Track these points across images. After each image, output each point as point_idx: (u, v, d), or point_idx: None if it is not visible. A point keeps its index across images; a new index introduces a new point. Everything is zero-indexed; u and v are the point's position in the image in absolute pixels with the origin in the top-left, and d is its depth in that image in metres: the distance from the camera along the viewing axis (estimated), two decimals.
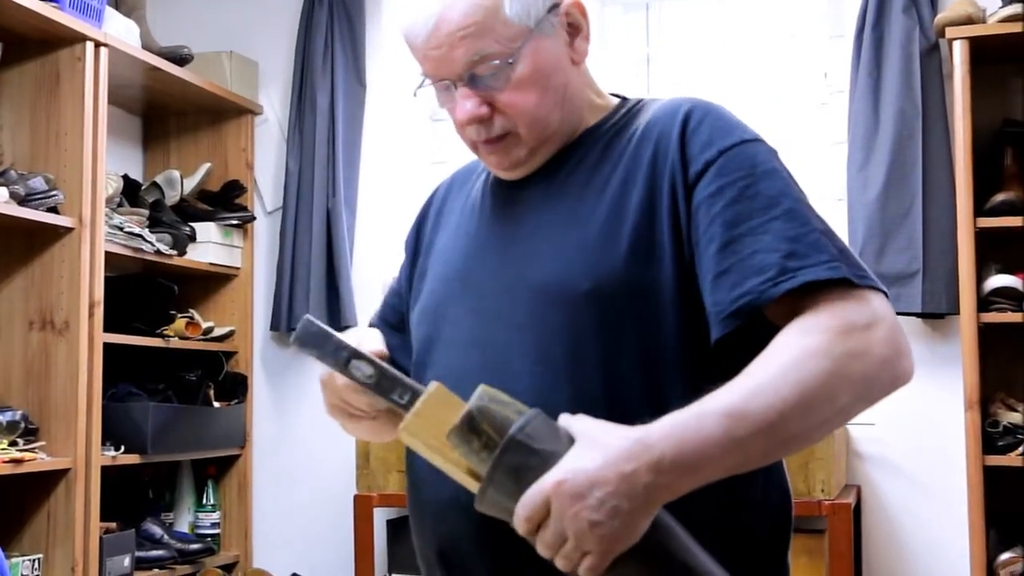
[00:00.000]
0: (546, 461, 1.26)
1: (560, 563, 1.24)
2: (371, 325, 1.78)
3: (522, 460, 1.26)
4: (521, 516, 1.24)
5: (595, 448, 1.24)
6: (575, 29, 1.54)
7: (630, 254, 1.43)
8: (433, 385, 1.35)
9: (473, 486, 1.30)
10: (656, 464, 1.22)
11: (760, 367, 1.29)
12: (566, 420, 1.29)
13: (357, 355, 1.41)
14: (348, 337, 1.45)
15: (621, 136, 1.53)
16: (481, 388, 1.31)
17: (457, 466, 1.32)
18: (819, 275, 1.33)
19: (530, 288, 1.48)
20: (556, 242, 1.48)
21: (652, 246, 1.43)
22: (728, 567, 1.39)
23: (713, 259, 1.38)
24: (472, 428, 1.29)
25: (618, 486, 1.21)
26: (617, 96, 1.64)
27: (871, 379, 1.31)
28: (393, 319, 1.73)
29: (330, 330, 1.42)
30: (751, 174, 1.41)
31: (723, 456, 1.25)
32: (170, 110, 4.22)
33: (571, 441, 1.27)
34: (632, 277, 1.43)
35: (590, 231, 1.46)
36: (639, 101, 1.60)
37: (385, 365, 1.41)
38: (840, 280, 1.33)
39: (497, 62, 1.47)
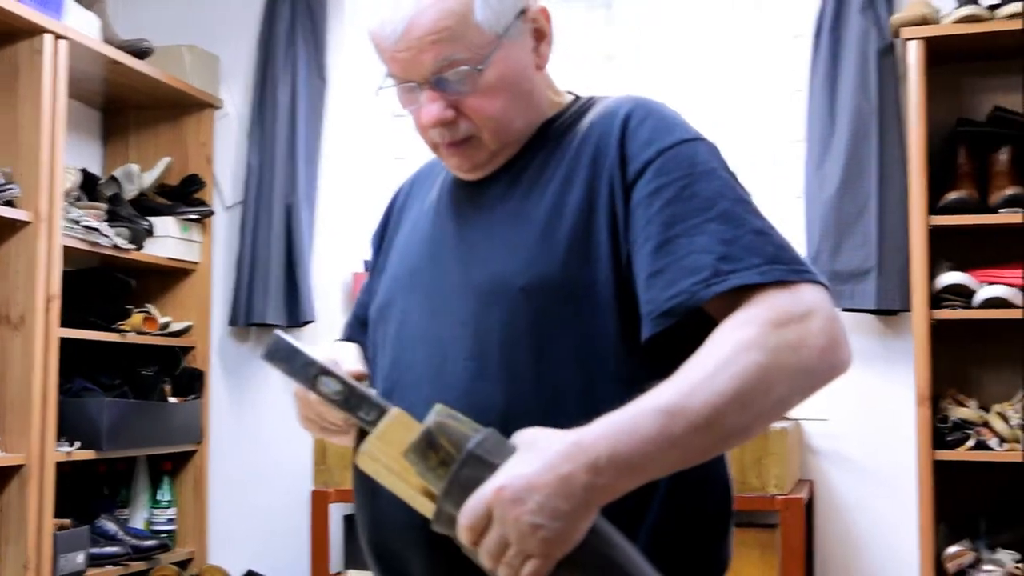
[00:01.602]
0: None
1: (502, 572, 1.24)
2: (347, 323, 1.81)
3: (479, 475, 1.27)
4: (464, 525, 1.25)
5: (533, 453, 1.25)
6: (540, 35, 1.55)
7: (567, 253, 1.45)
8: (394, 410, 1.36)
9: (430, 510, 1.31)
10: (593, 465, 1.23)
11: (696, 363, 1.30)
12: (515, 435, 1.30)
13: (325, 372, 1.42)
14: (321, 352, 1.47)
15: (568, 134, 1.55)
16: (437, 406, 1.32)
17: (416, 490, 1.33)
18: (750, 279, 1.34)
19: (472, 285, 1.50)
20: (500, 240, 1.50)
21: (589, 245, 1.45)
22: (669, 552, 1.41)
23: (648, 259, 1.40)
24: (430, 444, 1.30)
25: (557, 488, 1.22)
26: (572, 94, 1.66)
27: (807, 370, 1.32)
28: (365, 317, 1.74)
29: (300, 346, 1.43)
30: (689, 174, 1.42)
31: (661, 454, 1.26)
32: (130, 104, 4.20)
33: None
34: (569, 275, 1.44)
35: (530, 229, 1.48)
36: (589, 99, 1.62)
37: (353, 382, 1.42)
38: (772, 282, 1.34)
39: (466, 68, 1.48)
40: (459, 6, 1.47)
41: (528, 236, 1.48)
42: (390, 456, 1.34)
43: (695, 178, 1.42)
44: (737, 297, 1.34)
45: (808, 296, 1.35)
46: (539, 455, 1.24)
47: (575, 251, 1.45)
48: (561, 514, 1.22)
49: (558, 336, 1.44)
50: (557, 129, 1.57)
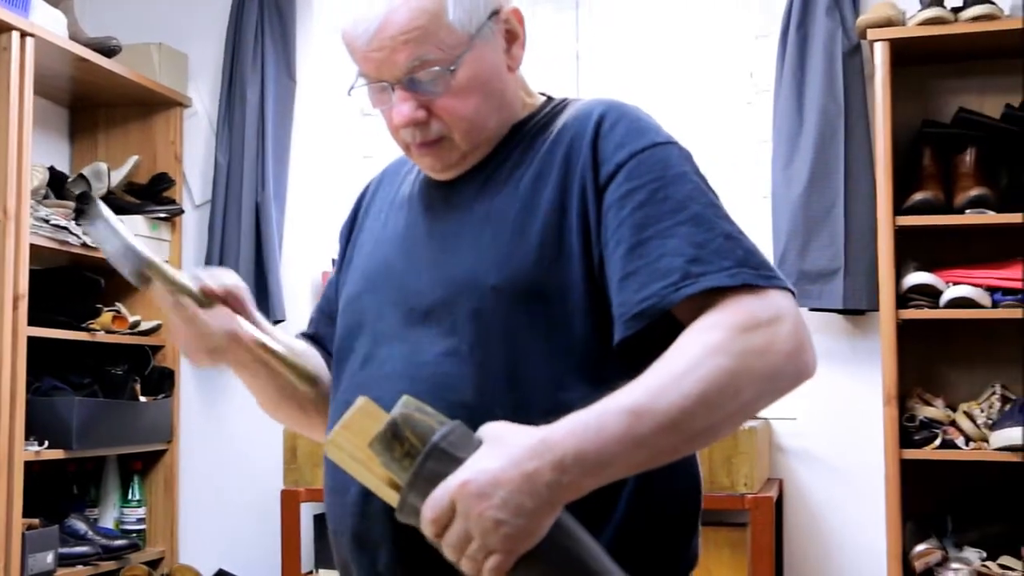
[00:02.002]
0: None
1: (465, 565, 1.25)
2: (312, 318, 1.82)
3: (443, 468, 1.28)
4: (427, 517, 1.25)
5: (499, 448, 1.26)
6: (512, 36, 1.56)
7: (538, 252, 1.45)
8: (361, 399, 1.36)
9: (395, 500, 1.31)
10: (559, 463, 1.24)
11: (664, 365, 1.31)
12: (482, 429, 1.31)
13: (105, 220, 1.55)
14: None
15: (540, 135, 1.55)
16: (404, 397, 1.32)
17: (382, 480, 1.33)
18: (720, 282, 1.35)
19: (445, 283, 1.50)
20: (472, 239, 1.50)
21: (561, 245, 1.45)
22: (635, 550, 1.42)
23: (621, 261, 1.41)
24: (395, 436, 1.30)
25: (521, 485, 1.23)
26: (545, 95, 1.66)
27: (774, 374, 1.33)
28: (330, 310, 1.75)
29: (103, 206, 1.56)
30: (661, 177, 1.43)
31: (626, 453, 1.27)
32: (98, 102, 4.18)
33: None
34: (540, 275, 1.45)
35: (502, 229, 1.48)
36: (563, 101, 1.62)
37: (130, 241, 1.56)
38: (742, 285, 1.36)
39: (438, 68, 1.48)
40: (432, 6, 1.47)
41: (500, 235, 1.48)
42: (356, 446, 1.33)
43: (667, 181, 1.43)
44: (707, 300, 1.36)
45: (776, 301, 1.36)
46: (505, 451, 1.25)
47: (546, 251, 1.46)
48: (525, 511, 1.23)
49: (529, 335, 1.45)
50: (530, 130, 1.57)
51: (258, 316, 1.64)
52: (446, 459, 1.28)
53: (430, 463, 1.28)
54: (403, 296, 1.54)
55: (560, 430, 1.26)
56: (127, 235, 1.57)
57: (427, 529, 1.26)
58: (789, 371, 1.34)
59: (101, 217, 1.57)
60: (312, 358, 1.70)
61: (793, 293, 1.41)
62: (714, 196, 1.47)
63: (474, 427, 1.33)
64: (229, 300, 1.58)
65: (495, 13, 1.52)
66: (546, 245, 1.45)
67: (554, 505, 1.25)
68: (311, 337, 1.80)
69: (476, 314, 1.46)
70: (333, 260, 3.99)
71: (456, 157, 1.55)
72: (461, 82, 1.49)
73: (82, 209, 1.54)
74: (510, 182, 1.53)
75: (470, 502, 1.23)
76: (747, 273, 1.37)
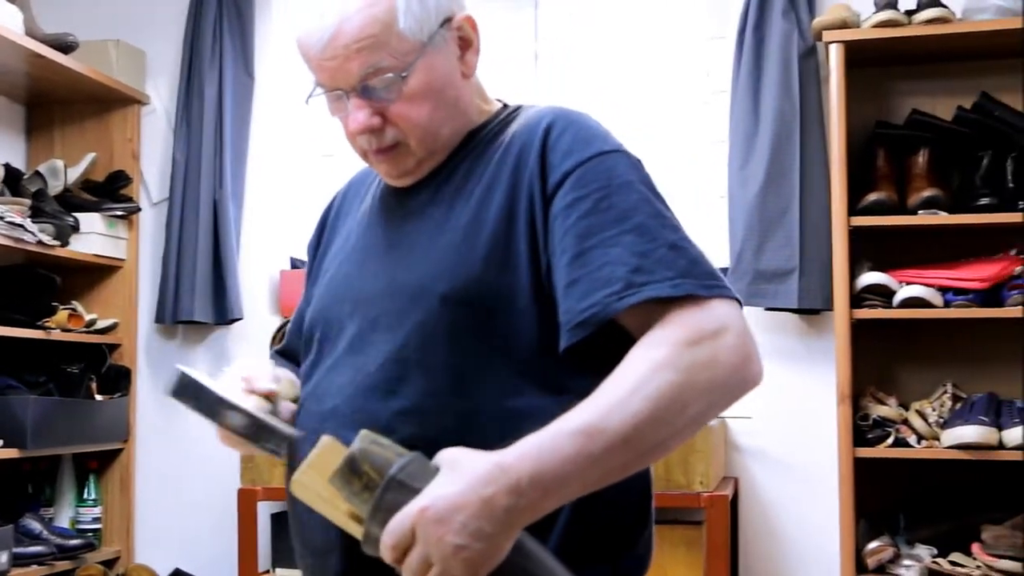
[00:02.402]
0: None
1: None
2: (288, 331, 1.83)
3: (402, 499, 1.30)
4: (387, 544, 1.27)
5: (456, 474, 1.27)
6: (466, 43, 1.57)
7: (486, 261, 1.47)
8: (325, 438, 1.38)
9: (360, 533, 1.33)
10: (515, 487, 1.26)
11: (612, 384, 1.33)
12: (438, 456, 1.32)
13: (230, 406, 1.46)
14: (227, 381, 1.52)
15: (493, 143, 1.57)
16: (362, 432, 1.34)
17: (346, 515, 1.35)
18: (662, 292, 1.37)
19: (398, 292, 1.51)
20: (424, 248, 1.52)
21: (508, 254, 1.47)
22: (584, 550, 1.43)
23: (565, 269, 1.42)
24: (353, 470, 1.32)
25: (479, 509, 1.25)
26: (501, 101, 1.67)
27: (720, 387, 1.36)
28: (301, 325, 1.75)
29: (204, 381, 1.47)
30: (607, 187, 1.45)
31: (581, 473, 1.29)
32: (55, 98, 4.15)
33: None
34: (487, 283, 1.46)
35: (452, 238, 1.50)
36: (516, 108, 1.64)
37: (259, 415, 1.47)
38: (685, 296, 1.37)
39: (391, 75, 1.49)
40: (383, 14, 1.48)
41: (450, 244, 1.49)
42: (320, 483, 1.36)
43: (612, 191, 1.45)
44: (651, 310, 1.37)
45: (720, 312, 1.38)
46: (462, 477, 1.26)
47: (494, 259, 1.47)
48: (484, 535, 1.25)
49: (477, 342, 1.46)
50: (484, 138, 1.59)
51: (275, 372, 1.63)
52: (404, 490, 1.30)
53: (388, 495, 1.30)
54: (359, 307, 1.56)
55: (514, 454, 1.28)
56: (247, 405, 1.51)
57: (387, 555, 1.28)
58: (735, 382, 1.37)
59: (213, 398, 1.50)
60: (294, 382, 1.71)
61: (739, 302, 1.42)
62: (661, 204, 1.48)
63: (423, 435, 1.35)
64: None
65: (447, 21, 1.54)
66: (494, 254, 1.47)
67: (512, 528, 1.27)
68: (284, 353, 1.82)
69: (424, 322, 1.47)
70: (293, 260, 4.02)
71: (412, 163, 1.57)
72: (414, 88, 1.51)
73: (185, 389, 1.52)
74: (463, 190, 1.54)
75: (429, 528, 1.24)
76: (690, 283, 1.38)
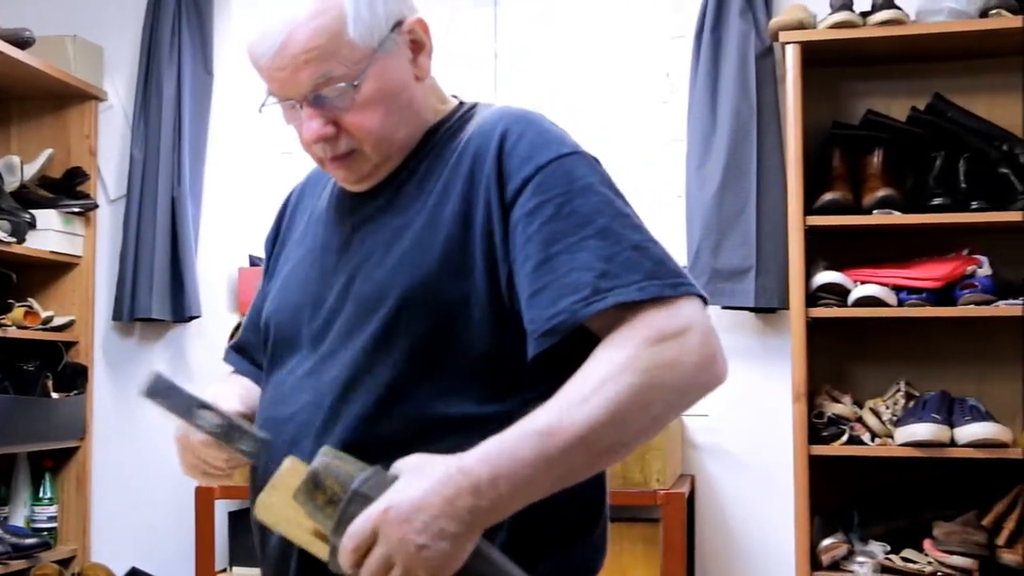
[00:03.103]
0: None
1: None
2: (243, 327, 1.83)
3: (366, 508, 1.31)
4: (348, 547, 1.28)
5: (418, 477, 1.28)
6: (418, 46, 1.55)
7: (439, 268, 1.46)
8: (287, 460, 1.39)
9: (325, 551, 1.34)
10: (475, 487, 1.27)
11: (574, 384, 1.34)
12: (397, 464, 1.33)
13: (204, 406, 1.48)
14: (200, 391, 1.52)
15: (449, 145, 1.56)
16: (324, 448, 1.36)
17: (310, 533, 1.36)
18: (629, 296, 1.37)
19: (355, 300, 1.51)
20: (381, 254, 1.52)
21: (464, 260, 1.46)
22: (535, 547, 1.44)
23: (529, 277, 1.42)
24: (316, 485, 1.33)
25: (442, 509, 1.26)
26: (457, 98, 1.67)
27: (683, 387, 1.36)
28: (259, 320, 1.75)
29: (177, 384, 1.49)
30: (567, 191, 1.44)
31: (540, 475, 1.30)
32: (11, 94, 4.12)
33: None
34: (442, 290, 1.46)
35: (407, 244, 1.49)
36: (472, 107, 1.63)
37: (232, 416, 1.48)
38: (651, 299, 1.37)
39: (342, 84, 1.48)
40: (331, 23, 1.47)
41: (405, 250, 1.49)
42: (284, 502, 1.37)
43: (573, 194, 1.44)
44: (618, 314, 1.37)
45: (685, 311, 1.38)
46: (424, 479, 1.27)
47: (449, 266, 1.46)
48: (447, 535, 1.26)
49: (433, 351, 1.46)
50: (439, 139, 1.58)
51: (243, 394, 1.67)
52: (367, 502, 1.31)
53: (352, 507, 1.31)
54: (317, 313, 1.56)
55: (474, 456, 1.29)
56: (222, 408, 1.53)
57: (347, 559, 1.28)
58: (699, 382, 1.38)
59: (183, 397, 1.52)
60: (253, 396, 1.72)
61: (704, 299, 1.43)
62: (622, 203, 1.48)
63: (380, 442, 1.38)
64: None
65: (398, 25, 1.53)
66: (448, 259, 1.46)
67: (474, 529, 1.28)
68: (239, 348, 1.82)
69: (381, 331, 1.47)
70: (251, 258, 4.00)
71: (368, 169, 1.56)
72: (366, 96, 1.50)
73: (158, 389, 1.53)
74: (419, 195, 1.53)
75: (392, 527, 1.25)
76: (655, 285, 1.38)
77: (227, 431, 1.47)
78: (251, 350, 1.78)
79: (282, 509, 1.37)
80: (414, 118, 1.56)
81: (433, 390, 1.45)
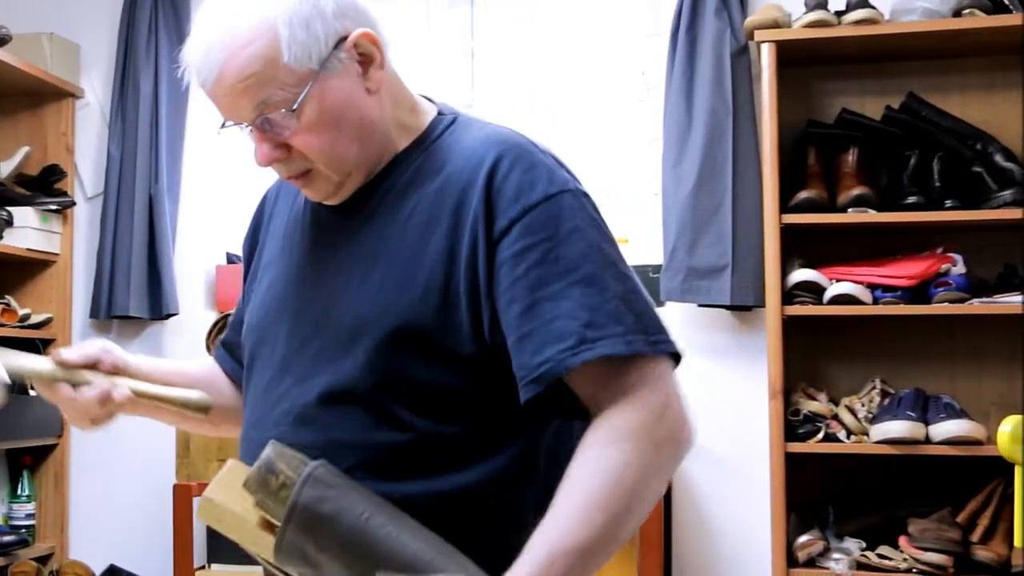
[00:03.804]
0: (339, 505, 1.35)
1: None
2: (230, 324, 1.82)
3: (320, 494, 1.33)
4: None
5: None
6: (367, 59, 1.51)
7: (422, 302, 1.46)
8: (229, 461, 1.42)
9: (270, 545, 1.35)
10: None
11: (583, 487, 1.36)
12: None
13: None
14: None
15: (429, 166, 1.54)
16: (271, 441, 1.38)
17: (257, 526, 1.37)
18: (616, 350, 1.39)
19: (335, 326, 1.51)
20: (359, 279, 1.51)
21: (447, 295, 1.46)
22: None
23: (516, 321, 1.42)
24: (270, 469, 1.35)
25: None
26: (433, 103, 1.64)
27: (672, 462, 1.42)
28: (242, 320, 1.75)
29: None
30: (554, 235, 1.44)
31: None
32: None
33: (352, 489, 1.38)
34: (423, 324, 1.45)
35: (391, 272, 1.49)
36: (453, 120, 1.60)
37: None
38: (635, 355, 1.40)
39: (283, 110, 1.46)
40: (265, 50, 1.44)
41: (388, 279, 1.48)
42: (231, 496, 1.38)
43: (560, 240, 1.44)
44: (599, 367, 1.39)
45: (663, 382, 1.42)
46: None
47: (431, 300, 1.46)
48: None
49: (415, 382, 1.46)
50: (417, 157, 1.56)
51: (135, 362, 1.65)
52: (321, 486, 1.33)
53: (307, 490, 1.33)
54: (295, 332, 1.56)
55: None
56: None
57: None
58: (679, 456, 1.43)
59: None
60: (209, 383, 1.73)
61: (678, 356, 1.46)
62: (609, 247, 1.48)
63: (356, 468, 1.40)
64: (98, 365, 1.60)
65: (341, 41, 1.48)
66: (432, 294, 1.46)
67: None
68: (226, 344, 1.83)
69: (362, 356, 1.47)
70: (229, 255, 4.00)
71: (331, 187, 1.54)
72: (310, 118, 1.47)
73: None
74: (398, 218, 1.52)
75: None
76: (640, 341, 1.41)
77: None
78: (235, 349, 1.78)
79: (228, 502, 1.38)
80: (369, 134, 1.53)
81: (415, 420, 1.46)
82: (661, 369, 1.42)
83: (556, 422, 1.45)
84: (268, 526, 1.36)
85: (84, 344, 1.63)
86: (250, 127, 1.49)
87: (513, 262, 1.43)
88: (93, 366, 1.59)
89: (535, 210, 1.45)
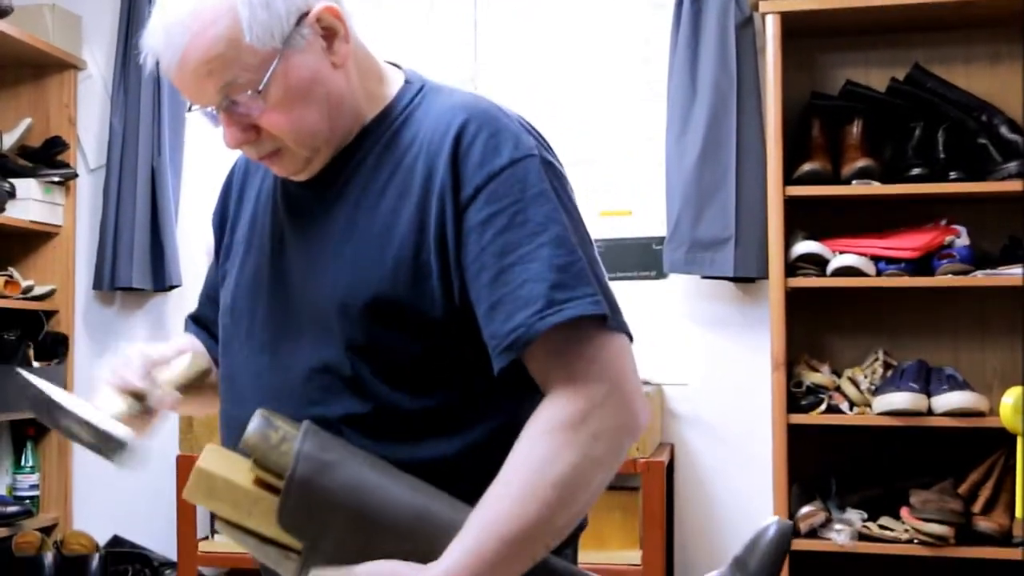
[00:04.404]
0: (341, 455, 1.37)
1: None
2: (199, 300, 1.83)
3: (323, 443, 1.35)
4: None
5: None
6: (331, 33, 1.50)
7: (394, 274, 1.46)
8: (207, 447, 1.42)
9: (272, 507, 1.36)
10: None
11: (520, 474, 1.37)
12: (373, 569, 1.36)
13: (66, 412, 1.48)
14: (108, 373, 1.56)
15: (399, 138, 1.53)
16: (259, 410, 1.40)
17: (255, 484, 1.37)
18: (584, 310, 1.39)
19: (307, 299, 1.51)
20: (332, 254, 1.51)
21: (418, 266, 1.46)
22: None
23: (485, 290, 1.42)
24: (269, 424, 1.37)
25: None
26: (400, 69, 1.63)
27: (615, 452, 1.42)
28: (214, 294, 1.75)
29: (39, 388, 1.49)
30: (520, 199, 1.44)
31: (517, 569, 1.38)
32: None
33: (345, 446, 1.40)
34: (396, 297, 1.45)
35: (361, 246, 1.49)
36: (421, 89, 1.59)
37: (98, 424, 1.48)
38: (599, 317, 1.41)
39: (249, 91, 1.45)
40: (227, 31, 1.43)
41: (360, 252, 1.48)
42: (221, 466, 1.39)
43: (526, 203, 1.44)
44: (562, 333, 1.40)
45: (616, 362, 1.43)
46: None
47: (403, 272, 1.46)
48: None
49: (393, 354, 1.47)
50: (385, 129, 1.55)
51: (159, 355, 1.64)
52: (320, 437, 1.35)
53: (310, 439, 1.34)
54: (274, 309, 1.56)
55: (448, 570, 1.34)
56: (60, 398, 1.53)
57: None
58: (626, 443, 1.44)
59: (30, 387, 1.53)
60: (197, 355, 1.72)
61: (631, 336, 1.47)
62: (572, 212, 1.49)
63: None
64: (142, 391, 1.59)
65: (303, 17, 1.47)
66: (403, 266, 1.46)
67: None
68: (198, 319, 1.83)
69: (339, 331, 1.47)
70: None
71: (301, 163, 1.53)
72: (277, 97, 1.46)
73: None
74: (370, 190, 1.51)
75: None
76: (604, 305, 1.42)
77: (92, 442, 1.48)
78: (208, 324, 1.78)
79: (220, 472, 1.38)
80: (337, 108, 1.52)
81: (378, 388, 1.47)
82: (617, 347, 1.43)
83: (537, 396, 1.44)
84: (267, 488, 1.36)
85: (126, 365, 1.60)
86: (216, 111, 1.47)
87: (480, 230, 1.43)
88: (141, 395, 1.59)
89: (500, 175, 1.45)
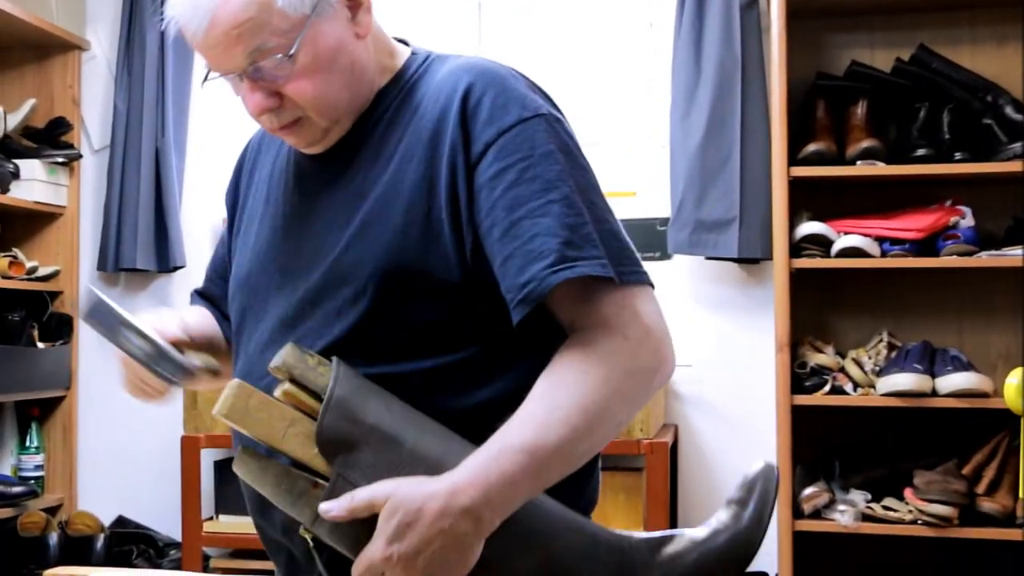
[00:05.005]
0: (372, 386, 1.40)
1: None
2: (206, 275, 1.83)
3: (355, 370, 1.39)
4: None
5: (411, 516, 1.32)
6: (356, 3, 1.51)
7: (405, 235, 1.45)
8: (233, 381, 1.40)
9: (309, 432, 1.36)
10: (468, 512, 1.32)
11: (547, 397, 1.38)
12: (376, 487, 1.35)
13: (133, 328, 1.48)
14: (145, 316, 1.54)
15: (407, 104, 1.54)
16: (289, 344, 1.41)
17: (291, 416, 1.37)
18: (593, 271, 1.39)
19: (324, 269, 1.51)
20: (344, 221, 1.50)
21: (429, 225, 1.46)
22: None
23: (498, 244, 1.43)
24: (303, 351, 1.39)
25: (443, 542, 1.32)
26: (408, 45, 1.63)
27: (643, 392, 1.43)
28: (224, 271, 1.75)
29: (113, 305, 1.49)
30: (529, 156, 1.44)
31: (526, 488, 1.36)
32: None
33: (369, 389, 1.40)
34: (408, 260, 1.45)
35: (372, 213, 1.48)
36: (427, 58, 1.60)
37: (160, 342, 1.49)
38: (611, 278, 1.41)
39: (278, 56, 1.44)
40: None
41: (371, 217, 1.48)
42: (248, 393, 1.37)
43: (535, 160, 1.44)
44: (579, 287, 1.40)
45: (640, 310, 1.43)
46: (417, 516, 1.32)
47: (415, 232, 1.46)
48: (450, 562, 1.33)
49: (410, 316, 1.46)
50: (395, 97, 1.56)
51: (189, 321, 1.66)
52: (354, 370, 1.39)
53: (343, 364, 1.39)
54: (287, 282, 1.55)
55: (464, 480, 1.33)
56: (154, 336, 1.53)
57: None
58: (653, 385, 1.44)
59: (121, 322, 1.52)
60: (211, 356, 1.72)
61: (652, 285, 1.47)
62: (583, 171, 1.49)
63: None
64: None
65: None
66: (414, 227, 1.46)
67: (476, 545, 1.34)
68: (204, 295, 1.82)
69: (355, 300, 1.47)
70: None
71: (319, 134, 1.53)
72: (304, 64, 1.46)
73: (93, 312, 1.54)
74: (380, 156, 1.52)
75: (398, 572, 1.32)
76: (615, 269, 1.42)
77: (152, 357, 1.48)
78: (216, 300, 1.78)
79: (255, 394, 1.37)
80: (359, 78, 1.53)
81: (395, 349, 1.47)
82: (642, 298, 1.44)
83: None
84: (303, 409, 1.37)
85: (160, 318, 1.61)
86: (241, 77, 1.47)
87: (490, 185, 1.44)
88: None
89: (509, 132, 1.45)
